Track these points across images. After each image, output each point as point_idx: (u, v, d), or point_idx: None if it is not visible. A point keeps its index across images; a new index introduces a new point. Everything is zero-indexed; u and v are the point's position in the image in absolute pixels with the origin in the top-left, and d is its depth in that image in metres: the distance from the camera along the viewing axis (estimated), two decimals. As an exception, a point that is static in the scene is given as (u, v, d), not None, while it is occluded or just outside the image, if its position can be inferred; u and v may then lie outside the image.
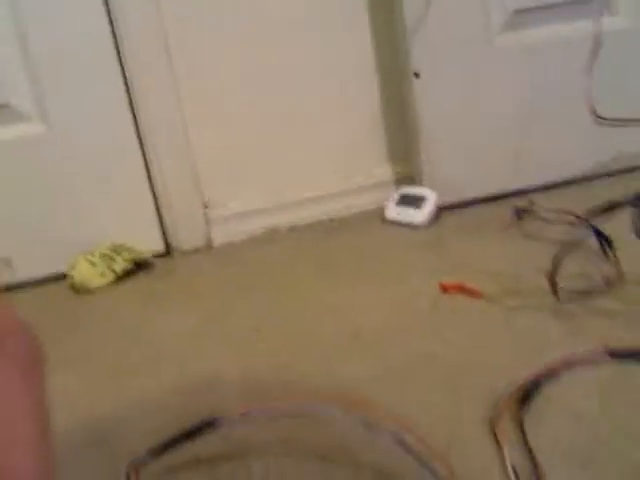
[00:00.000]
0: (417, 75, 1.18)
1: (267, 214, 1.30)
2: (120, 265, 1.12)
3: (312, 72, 1.28)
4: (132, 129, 1.19)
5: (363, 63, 1.29)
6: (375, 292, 0.93)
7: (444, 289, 0.89)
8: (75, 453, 0.61)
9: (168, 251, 1.27)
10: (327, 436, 0.58)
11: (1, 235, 1.17)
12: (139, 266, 1.16)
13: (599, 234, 0.85)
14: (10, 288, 1.17)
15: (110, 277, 1.11)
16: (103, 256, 1.11)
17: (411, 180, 1.31)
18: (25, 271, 1.19)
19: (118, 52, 1.15)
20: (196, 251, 1.26)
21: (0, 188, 1.15)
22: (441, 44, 1.17)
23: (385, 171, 1.35)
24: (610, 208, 0.80)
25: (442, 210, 1.21)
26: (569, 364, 0.65)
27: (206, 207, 1.27)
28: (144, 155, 1.21)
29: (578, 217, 0.95)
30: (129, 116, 1.19)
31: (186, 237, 1.26)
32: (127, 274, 1.14)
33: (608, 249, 0.85)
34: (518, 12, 1.19)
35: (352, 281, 0.98)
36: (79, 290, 1.09)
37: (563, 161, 1.25)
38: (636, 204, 0.69)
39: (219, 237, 1.28)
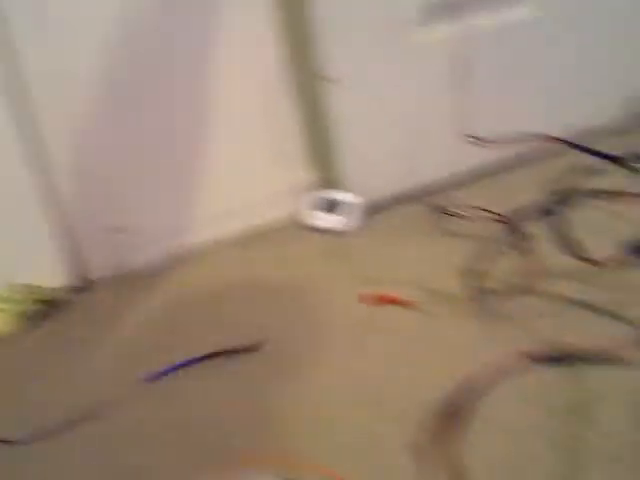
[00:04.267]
0: (328, 79, 1.15)
1: (184, 232, 1.25)
2: (29, 308, 1.04)
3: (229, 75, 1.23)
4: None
5: (280, 66, 1.25)
6: (293, 306, 0.91)
7: (370, 301, 0.88)
8: None
9: (82, 283, 1.19)
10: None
11: None
12: (50, 305, 1.08)
13: (518, 232, 0.87)
14: None
15: (20, 322, 1.03)
16: (6, 300, 1.03)
17: (331, 184, 1.29)
18: None
19: None
20: (112, 279, 1.19)
21: None
22: (354, 45, 1.15)
23: (304, 175, 1.32)
24: (528, 207, 0.81)
25: (364, 214, 1.20)
26: (492, 374, 0.66)
27: (118, 231, 1.21)
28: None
29: (498, 215, 0.96)
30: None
31: (99, 265, 1.18)
32: (39, 315, 1.06)
33: (527, 247, 0.86)
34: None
35: (271, 295, 0.95)
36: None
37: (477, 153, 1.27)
38: (550, 211, 0.70)
39: (135, 262, 1.22)
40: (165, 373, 0.71)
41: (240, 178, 1.28)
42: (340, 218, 1.18)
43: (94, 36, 1.06)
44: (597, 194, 0.76)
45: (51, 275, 1.13)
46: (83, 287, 1.18)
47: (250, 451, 0.60)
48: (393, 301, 0.85)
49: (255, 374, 0.75)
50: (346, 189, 1.23)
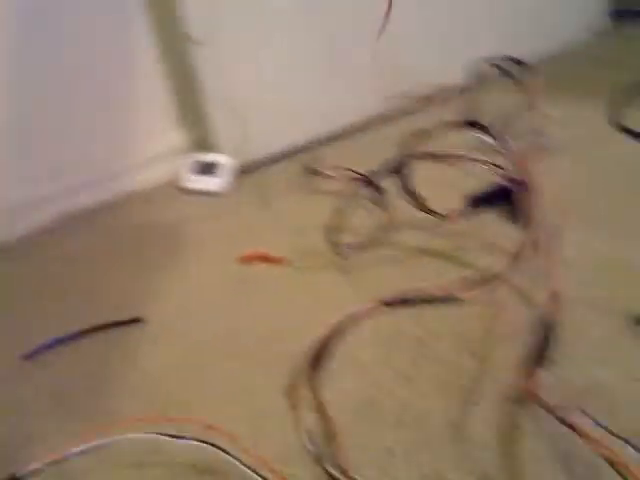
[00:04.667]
0: (194, 41, 1.15)
1: (54, 201, 1.22)
2: None
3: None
4: None
5: (149, 29, 1.23)
6: (174, 272, 0.94)
7: (243, 260, 0.93)
8: None
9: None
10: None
11: None
12: None
13: (376, 189, 0.95)
14: None
15: None
16: None
17: (207, 147, 1.31)
18: None
19: None
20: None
21: None
22: (219, 7, 1.15)
23: (178, 138, 1.32)
24: (383, 166, 0.89)
25: (238, 175, 1.23)
26: (352, 320, 0.74)
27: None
28: None
29: (358, 174, 1.04)
30: None
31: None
32: None
33: (382, 203, 0.95)
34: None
35: (151, 264, 0.97)
36: None
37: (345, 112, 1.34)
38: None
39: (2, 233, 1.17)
40: (42, 349, 0.72)
41: (116, 143, 1.27)
42: (215, 180, 1.21)
43: None
44: (440, 155, 0.85)
45: None
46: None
47: (125, 413, 0.64)
48: (263, 258, 0.90)
49: (130, 342, 0.77)
50: (220, 151, 1.25)
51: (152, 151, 1.29)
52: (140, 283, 0.92)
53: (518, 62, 1.17)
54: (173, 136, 1.32)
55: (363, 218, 0.94)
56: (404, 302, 0.76)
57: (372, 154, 0.98)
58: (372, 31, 1.04)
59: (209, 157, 1.25)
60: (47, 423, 0.65)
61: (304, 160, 1.20)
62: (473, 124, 0.88)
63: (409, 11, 1.29)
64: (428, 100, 1.38)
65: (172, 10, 1.17)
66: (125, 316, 0.80)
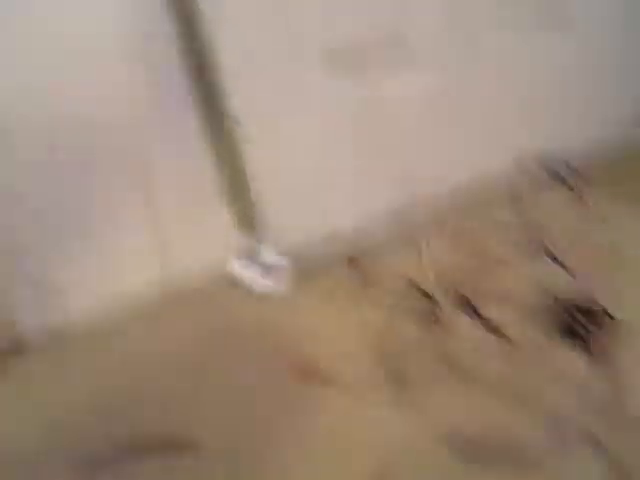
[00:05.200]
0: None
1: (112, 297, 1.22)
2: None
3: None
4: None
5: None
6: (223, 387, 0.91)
7: (293, 377, 0.89)
8: None
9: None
10: None
11: None
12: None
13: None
14: None
15: None
16: None
17: (258, 244, 1.30)
18: None
19: None
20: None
21: None
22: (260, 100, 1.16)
23: (230, 239, 1.32)
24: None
25: (290, 276, 1.21)
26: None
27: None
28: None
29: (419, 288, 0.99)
30: None
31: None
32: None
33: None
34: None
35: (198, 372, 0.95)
36: None
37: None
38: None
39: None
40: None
41: (173, 246, 1.27)
42: (268, 282, 1.20)
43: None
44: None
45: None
46: (16, 350, 1.12)
47: None
48: (315, 377, 0.87)
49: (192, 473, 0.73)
50: (272, 249, 1.24)
51: (208, 250, 1.29)
52: (194, 402, 0.89)
53: (569, 166, 1.13)
54: (228, 234, 1.32)
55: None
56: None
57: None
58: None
59: (263, 257, 1.24)
60: None
61: (358, 264, 1.17)
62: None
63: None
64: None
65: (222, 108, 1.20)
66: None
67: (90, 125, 1.12)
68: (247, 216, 1.29)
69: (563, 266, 0.78)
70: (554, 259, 0.79)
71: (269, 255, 1.24)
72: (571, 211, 1.06)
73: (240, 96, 1.14)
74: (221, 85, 1.15)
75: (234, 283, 1.24)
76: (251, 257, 1.26)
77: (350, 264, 1.20)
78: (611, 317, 0.73)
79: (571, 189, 1.12)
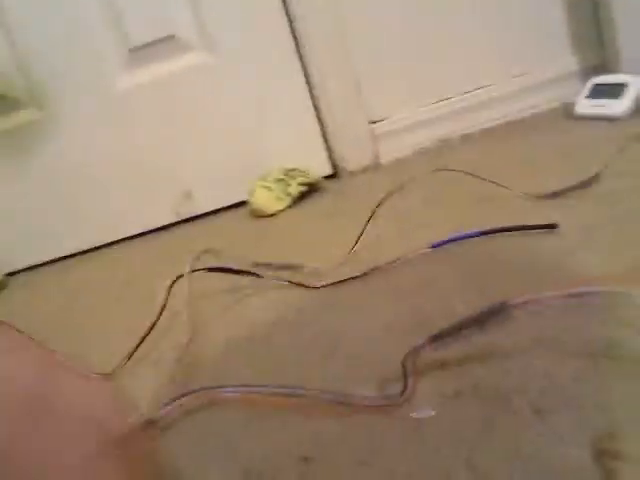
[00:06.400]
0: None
1: (435, 124, 1.22)
2: (295, 189, 1.11)
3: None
4: (293, 51, 1.16)
5: None
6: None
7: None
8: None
9: (335, 172, 1.24)
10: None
11: (181, 170, 1.22)
12: (311, 189, 1.15)
13: None
14: (192, 219, 1.24)
15: (286, 201, 1.11)
16: (278, 181, 1.11)
17: (602, 69, 1.14)
18: (204, 202, 1.24)
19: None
20: (364, 170, 1.21)
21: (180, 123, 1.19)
22: None
23: (569, 61, 1.18)
24: None
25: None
26: None
27: (372, 123, 1.22)
28: (307, 77, 1.18)
29: None
30: (290, 38, 1.15)
31: (353, 156, 1.22)
32: (301, 197, 1.13)
33: None
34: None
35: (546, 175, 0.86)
36: (258, 215, 1.11)
37: None
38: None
39: (387, 154, 1.22)
40: (449, 241, 0.69)
41: (494, 66, 1.20)
42: (621, 102, 1.03)
43: None
44: None
45: (312, 162, 1.20)
46: (337, 175, 1.24)
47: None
48: None
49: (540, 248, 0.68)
50: (627, 70, 1.07)
51: (540, 74, 1.18)
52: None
53: None
54: (567, 57, 1.18)
55: None
56: None
57: None
58: None
59: (611, 78, 1.08)
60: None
61: None
62: None
63: None
64: None
65: None
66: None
67: None
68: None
69: None
70: None
71: (616, 77, 1.07)
72: None
73: None
74: None
75: (569, 111, 1.11)
76: (594, 81, 1.10)
77: None
78: None
79: None
